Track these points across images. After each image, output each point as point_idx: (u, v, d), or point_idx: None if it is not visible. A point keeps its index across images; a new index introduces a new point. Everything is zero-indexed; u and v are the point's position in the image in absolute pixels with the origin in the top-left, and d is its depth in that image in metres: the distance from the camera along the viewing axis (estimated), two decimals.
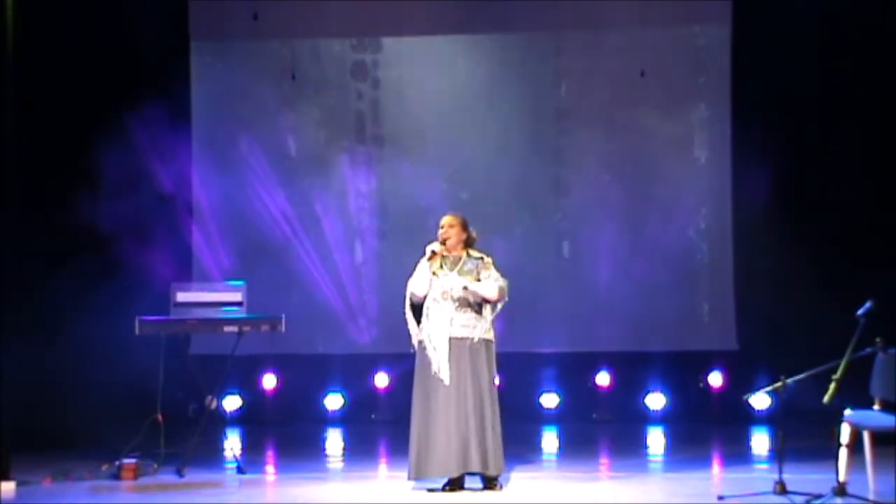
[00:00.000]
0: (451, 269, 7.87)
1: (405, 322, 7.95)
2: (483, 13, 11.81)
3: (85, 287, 10.49)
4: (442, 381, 7.72)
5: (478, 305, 7.85)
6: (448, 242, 7.91)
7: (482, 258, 7.91)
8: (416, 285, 7.85)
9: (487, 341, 7.84)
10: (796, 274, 11.13)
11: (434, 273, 7.84)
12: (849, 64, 11.27)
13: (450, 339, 7.75)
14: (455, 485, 7.79)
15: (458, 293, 7.79)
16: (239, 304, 9.15)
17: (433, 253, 7.83)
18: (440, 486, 7.83)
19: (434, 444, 7.69)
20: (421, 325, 7.86)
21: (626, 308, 11.78)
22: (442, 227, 7.95)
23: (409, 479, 7.82)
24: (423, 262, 7.84)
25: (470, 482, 7.85)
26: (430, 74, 11.97)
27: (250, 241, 11.98)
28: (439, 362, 7.73)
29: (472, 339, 7.75)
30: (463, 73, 11.93)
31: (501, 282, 7.84)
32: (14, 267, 8.65)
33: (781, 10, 11.26)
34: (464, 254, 7.93)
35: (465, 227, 7.97)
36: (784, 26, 11.28)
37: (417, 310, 7.90)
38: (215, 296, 9.22)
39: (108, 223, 10.94)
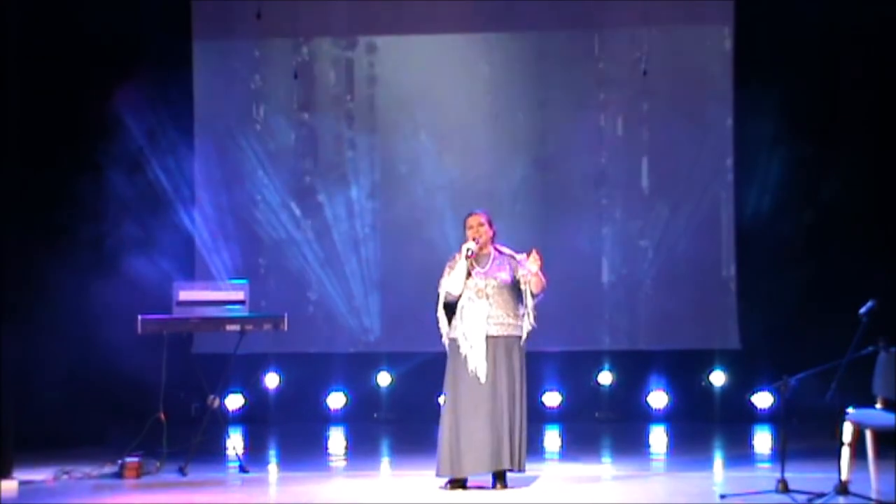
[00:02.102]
0: (483, 267, 7.87)
1: (436, 321, 7.91)
2: (485, 12, 11.80)
3: (87, 286, 10.50)
4: (478, 379, 7.72)
5: (511, 303, 7.85)
6: (480, 240, 7.90)
7: (512, 255, 7.91)
8: (453, 285, 7.82)
9: (521, 338, 7.85)
10: (799, 272, 11.14)
11: (468, 272, 7.84)
12: (851, 63, 11.26)
13: (486, 337, 7.77)
14: (457, 483, 7.79)
15: (492, 290, 7.78)
16: (241, 302, 9.15)
17: (470, 251, 7.82)
18: (443, 483, 7.84)
19: (468, 441, 7.68)
20: (454, 324, 7.85)
21: (628, 307, 11.79)
22: (471, 227, 7.91)
23: (437, 475, 7.80)
24: (461, 261, 7.82)
25: (474, 479, 7.85)
26: (434, 73, 11.96)
27: (253, 240, 12.00)
28: (476, 361, 7.74)
29: (512, 336, 7.77)
30: (465, 71, 11.92)
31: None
32: (15, 266, 8.66)
33: (783, 10, 11.25)
34: (492, 250, 7.94)
35: (491, 223, 7.98)
36: (786, 26, 11.28)
37: (447, 309, 7.89)
38: (218, 294, 9.22)
39: (110, 222, 10.96)
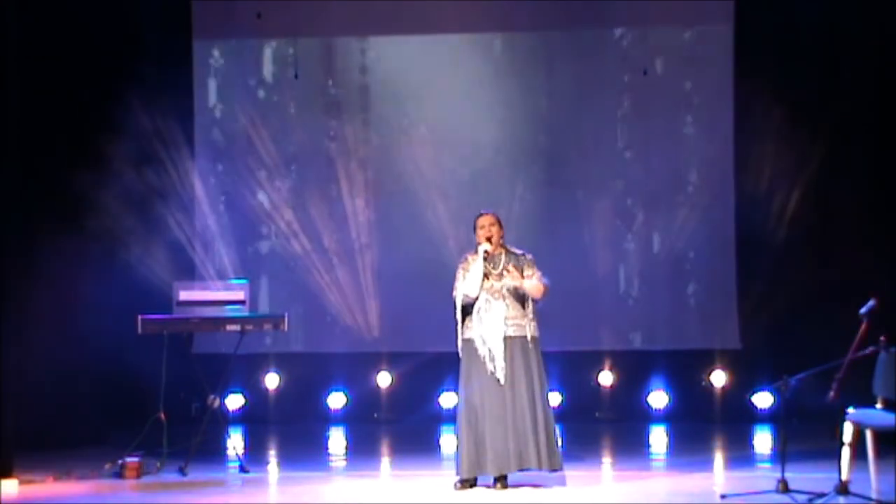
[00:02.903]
0: (496, 268, 7.87)
1: (454, 324, 7.90)
2: (486, 12, 11.79)
3: (87, 285, 10.49)
4: (498, 380, 7.72)
5: (523, 303, 7.86)
6: (493, 240, 7.90)
7: (524, 255, 7.92)
8: (470, 287, 7.81)
9: (535, 338, 7.87)
10: (799, 272, 11.13)
11: (485, 274, 7.84)
12: (851, 63, 11.25)
13: (504, 337, 7.77)
14: (469, 483, 7.80)
15: (507, 291, 7.79)
16: (242, 302, 9.15)
17: (486, 252, 7.82)
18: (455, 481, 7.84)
19: (490, 442, 7.69)
20: (468, 325, 7.85)
21: (628, 306, 11.80)
22: (482, 227, 7.92)
23: (458, 474, 7.79)
24: (477, 263, 7.82)
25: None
26: (436, 73, 11.94)
27: (253, 240, 12.00)
28: (496, 362, 7.74)
29: (526, 336, 7.79)
30: (466, 72, 11.89)
31: (546, 280, 7.87)
32: (14, 267, 8.66)
33: (784, 10, 11.25)
34: (503, 251, 7.95)
35: (501, 224, 7.99)
36: (786, 26, 11.28)
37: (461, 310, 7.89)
38: (218, 294, 9.22)
39: (109, 221, 10.94)
